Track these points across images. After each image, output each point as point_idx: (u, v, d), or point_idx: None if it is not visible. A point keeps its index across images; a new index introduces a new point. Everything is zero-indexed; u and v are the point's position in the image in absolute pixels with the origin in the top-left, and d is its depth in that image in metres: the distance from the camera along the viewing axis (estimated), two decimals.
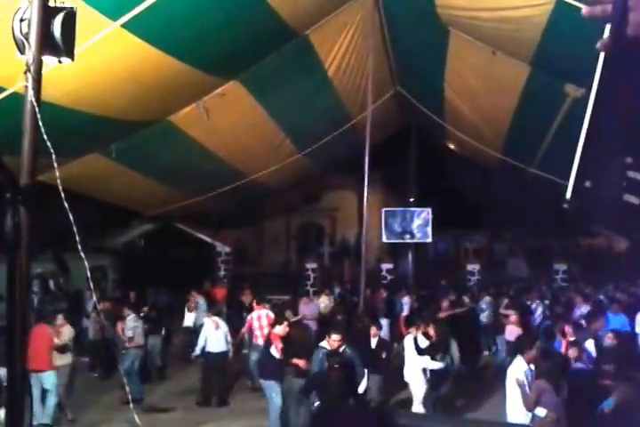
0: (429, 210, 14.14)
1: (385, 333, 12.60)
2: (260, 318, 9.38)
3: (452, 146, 16.25)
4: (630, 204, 0.84)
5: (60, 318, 7.86)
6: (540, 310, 10.78)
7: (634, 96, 0.85)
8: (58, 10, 3.39)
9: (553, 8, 6.50)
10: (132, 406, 4.56)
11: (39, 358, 6.84)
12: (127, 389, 5.96)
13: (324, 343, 6.60)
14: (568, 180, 0.89)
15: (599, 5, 0.89)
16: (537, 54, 7.82)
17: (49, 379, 7.19)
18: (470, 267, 17.24)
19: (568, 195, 0.88)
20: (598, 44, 0.90)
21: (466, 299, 11.84)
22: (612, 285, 13.62)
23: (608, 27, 0.88)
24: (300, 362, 6.88)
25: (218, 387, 8.53)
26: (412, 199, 16.17)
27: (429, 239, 14.47)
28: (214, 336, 8.41)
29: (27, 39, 3.31)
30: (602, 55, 0.88)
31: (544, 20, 6.78)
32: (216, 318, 8.62)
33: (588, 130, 0.84)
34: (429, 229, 14.09)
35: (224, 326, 8.55)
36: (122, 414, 7.33)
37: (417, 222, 14.17)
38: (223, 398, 8.50)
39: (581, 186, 0.87)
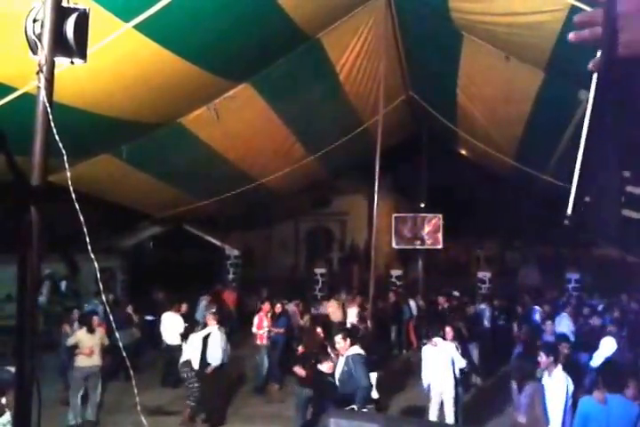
0: (440, 216, 14.05)
1: (392, 339, 12.56)
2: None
3: (464, 152, 16.15)
4: (629, 218, 0.83)
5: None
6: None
7: (629, 113, 0.85)
8: (71, 11, 3.39)
9: (567, 14, 6.44)
10: (138, 408, 4.52)
11: None
12: (135, 390, 5.96)
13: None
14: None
15: (587, 29, 0.89)
16: (551, 60, 7.75)
17: None
18: (481, 274, 17.10)
19: (569, 211, 0.88)
20: (590, 65, 0.90)
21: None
22: (626, 294, 13.44)
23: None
24: (300, 371, 6.85)
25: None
26: (422, 205, 16.09)
27: (440, 246, 14.37)
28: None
29: (39, 40, 3.31)
30: (595, 75, 0.88)
31: (558, 26, 6.71)
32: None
33: (585, 146, 0.85)
34: (440, 236, 13.99)
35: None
36: (127, 416, 7.32)
37: (427, 228, 14.08)
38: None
39: (581, 201, 0.87)
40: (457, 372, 7.10)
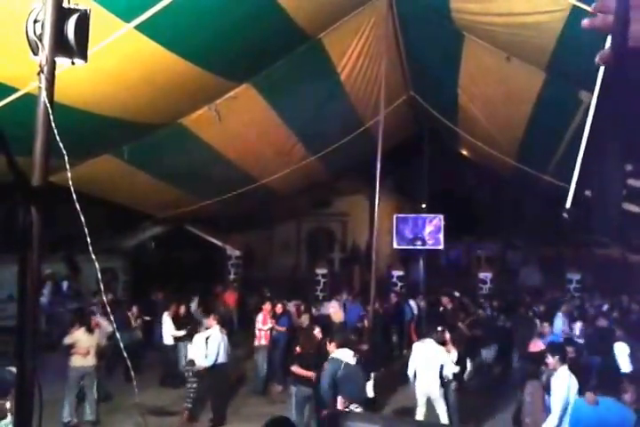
0: (441, 216, 14.02)
1: (393, 340, 12.55)
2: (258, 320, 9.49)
3: (465, 152, 16.14)
4: (630, 212, 0.83)
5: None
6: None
7: (634, 106, 0.85)
8: (71, 11, 3.39)
9: (568, 15, 6.43)
10: (139, 408, 4.52)
11: None
12: (136, 391, 5.96)
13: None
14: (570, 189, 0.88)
15: (600, 17, 0.90)
16: (551, 61, 7.74)
17: None
18: (482, 275, 17.09)
19: (568, 204, 0.88)
20: (597, 58, 0.90)
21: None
22: (626, 295, 13.43)
23: (609, 38, 0.88)
24: (299, 370, 6.87)
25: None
26: (423, 205, 16.07)
27: (441, 246, 14.34)
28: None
29: (40, 40, 3.31)
30: (602, 68, 0.88)
31: (559, 27, 6.70)
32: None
33: (588, 139, 0.85)
34: (441, 236, 13.96)
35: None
36: (127, 416, 7.33)
37: (429, 229, 14.05)
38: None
39: (581, 195, 0.87)
40: (446, 374, 7.02)
